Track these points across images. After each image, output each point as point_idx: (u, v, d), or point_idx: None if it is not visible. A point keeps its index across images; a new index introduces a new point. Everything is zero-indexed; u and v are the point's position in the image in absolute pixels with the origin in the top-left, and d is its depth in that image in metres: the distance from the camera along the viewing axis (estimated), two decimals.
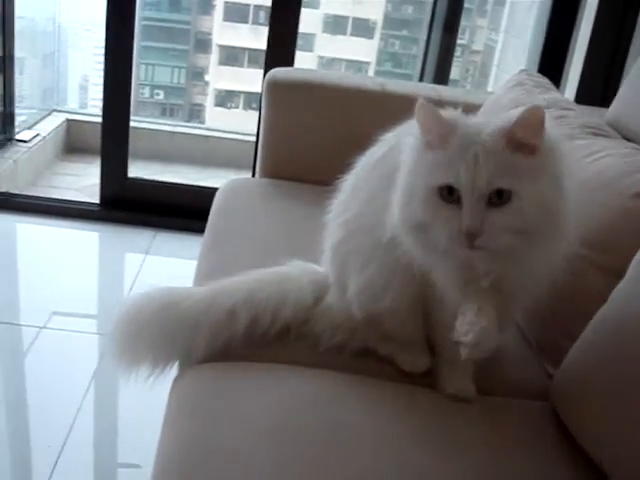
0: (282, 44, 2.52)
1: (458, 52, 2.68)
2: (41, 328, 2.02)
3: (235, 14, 5.14)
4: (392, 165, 1.06)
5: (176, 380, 1.09)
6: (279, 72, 1.91)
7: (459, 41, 2.65)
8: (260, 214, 1.64)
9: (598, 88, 2.37)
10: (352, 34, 5.07)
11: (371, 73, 5.10)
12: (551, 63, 2.43)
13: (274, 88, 1.86)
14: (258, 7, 5.04)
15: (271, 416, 0.98)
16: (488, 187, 0.89)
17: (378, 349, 1.15)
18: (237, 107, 5.41)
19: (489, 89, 4.23)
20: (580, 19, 2.40)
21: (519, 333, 1.27)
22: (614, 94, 1.66)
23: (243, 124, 5.18)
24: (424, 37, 5.04)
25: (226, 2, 5.02)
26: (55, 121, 3.60)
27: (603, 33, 2.37)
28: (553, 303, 1.07)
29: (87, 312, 2.20)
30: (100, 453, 1.66)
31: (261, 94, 1.95)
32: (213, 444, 0.92)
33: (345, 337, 1.15)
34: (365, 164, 1.15)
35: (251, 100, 5.37)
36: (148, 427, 1.60)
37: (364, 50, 5.08)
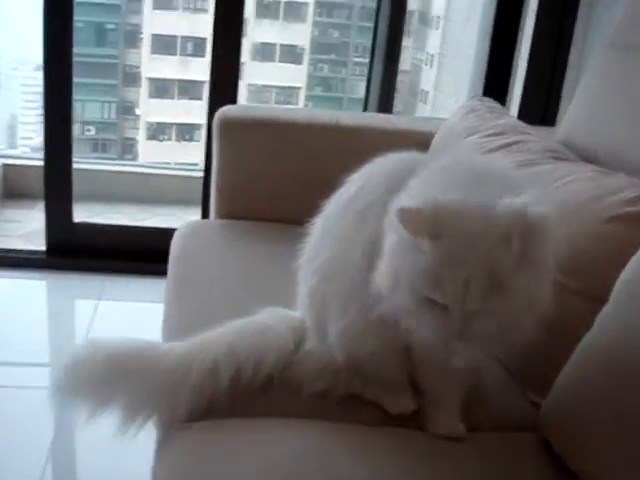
0: (224, 76, 2.50)
1: None
2: None
3: (162, 46, 5.12)
4: (362, 205, 1.05)
5: (161, 444, 1.04)
6: (229, 110, 1.88)
7: None
8: (224, 257, 1.59)
9: (539, 107, 2.41)
10: (281, 60, 5.11)
11: (302, 98, 5.15)
12: (496, 85, 2.46)
13: (225, 127, 1.82)
14: (186, 38, 5.04)
15: (267, 478, 0.94)
16: (478, 305, 0.88)
17: (363, 394, 1.12)
18: (170, 139, 5.39)
19: (420, 109, 4.29)
20: (520, 42, 2.45)
21: (498, 363, 1.27)
22: (555, 112, 1.70)
23: (177, 156, 5.18)
24: (352, 60, 5.11)
25: (153, 35, 5.00)
26: None
27: (541, 54, 2.42)
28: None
29: (39, 363, 2.10)
30: None
31: (209, 131, 1.92)
32: None
33: (328, 383, 1.12)
34: (334, 206, 1.13)
35: (184, 131, 5.36)
36: None
37: (294, 76, 5.12)
